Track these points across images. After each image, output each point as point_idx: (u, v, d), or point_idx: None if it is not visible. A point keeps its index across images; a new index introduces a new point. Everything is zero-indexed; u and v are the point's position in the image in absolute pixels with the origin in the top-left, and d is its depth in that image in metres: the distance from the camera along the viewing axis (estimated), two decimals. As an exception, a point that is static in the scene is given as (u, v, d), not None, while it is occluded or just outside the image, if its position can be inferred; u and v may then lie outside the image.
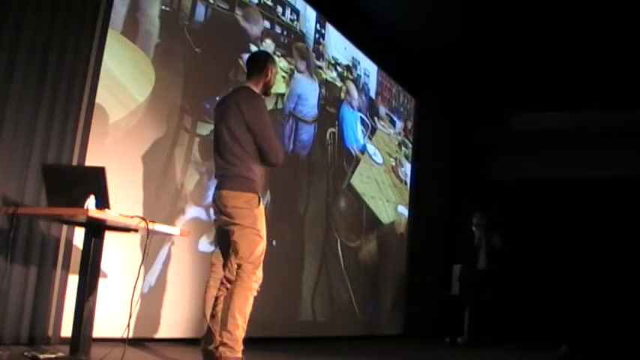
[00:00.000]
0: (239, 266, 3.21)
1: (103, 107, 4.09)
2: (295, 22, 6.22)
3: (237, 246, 3.21)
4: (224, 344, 3.08)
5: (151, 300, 4.41)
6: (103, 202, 2.83)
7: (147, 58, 4.47)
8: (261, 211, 3.33)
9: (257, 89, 3.45)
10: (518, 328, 8.69)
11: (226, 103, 3.38)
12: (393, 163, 8.34)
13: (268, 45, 5.68)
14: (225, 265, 3.30)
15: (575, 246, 9.23)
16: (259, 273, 3.28)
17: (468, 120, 9.81)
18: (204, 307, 3.57)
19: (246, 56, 5.41)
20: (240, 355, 3.11)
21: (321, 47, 6.71)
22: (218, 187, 3.32)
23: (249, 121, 3.27)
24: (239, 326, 3.11)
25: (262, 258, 3.30)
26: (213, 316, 3.24)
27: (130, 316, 2.98)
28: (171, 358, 3.82)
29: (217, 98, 5.09)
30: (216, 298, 3.26)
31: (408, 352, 6.48)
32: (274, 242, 5.42)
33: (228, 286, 3.22)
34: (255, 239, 3.25)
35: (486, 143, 10.19)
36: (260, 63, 3.51)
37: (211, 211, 5.00)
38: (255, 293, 3.23)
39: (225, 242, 3.31)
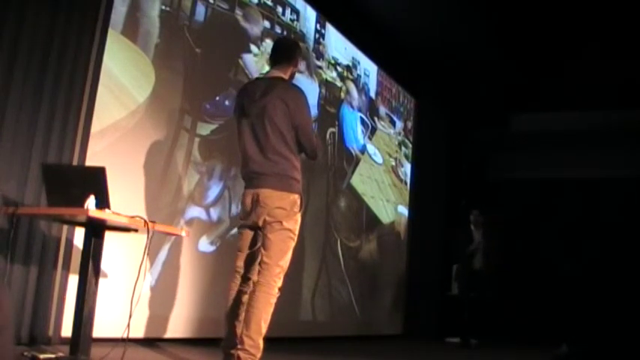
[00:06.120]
0: (266, 265, 3.09)
1: (103, 107, 4.08)
2: (295, 22, 6.22)
3: (271, 244, 3.11)
4: (244, 350, 2.96)
5: (151, 300, 4.41)
6: (103, 202, 2.83)
7: (147, 58, 4.47)
8: (299, 215, 3.24)
9: (287, 78, 3.33)
10: (518, 328, 8.69)
11: (266, 98, 3.18)
12: (393, 163, 8.34)
13: (268, 45, 5.68)
14: (251, 267, 3.20)
15: (575, 246, 9.23)
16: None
17: (468, 120, 9.82)
18: (226, 309, 3.30)
19: (246, 56, 5.46)
20: None
21: (321, 47, 6.71)
22: (257, 185, 3.16)
23: (294, 116, 3.17)
24: (262, 333, 3.03)
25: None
26: (236, 318, 3.14)
27: (130, 316, 2.97)
28: (172, 358, 3.83)
29: (217, 98, 5.12)
30: (242, 302, 3.15)
31: (408, 352, 6.48)
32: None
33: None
34: (289, 244, 3.17)
35: (486, 143, 10.19)
36: (290, 52, 3.40)
37: (211, 211, 5.06)
38: (274, 300, 3.12)
39: (255, 241, 3.21)
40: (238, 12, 5.38)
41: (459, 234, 7.74)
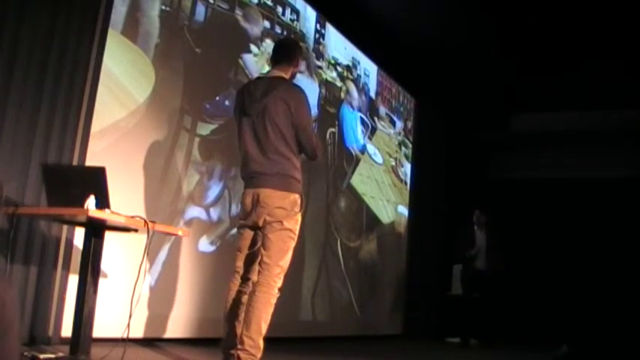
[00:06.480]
0: (266, 265, 3.09)
1: (103, 107, 4.08)
2: (295, 22, 6.22)
3: (271, 244, 3.11)
4: (245, 350, 2.95)
5: (151, 300, 4.41)
6: (103, 202, 2.83)
7: (147, 59, 4.47)
8: (300, 215, 3.24)
9: (287, 78, 3.33)
10: (518, 328, 8.69)
11: (267, 98, 3.16)
12: (393, 163, 8.34)
13: (268, 45, 5.68)
14: (251, 267, 3.19)
15: (575, 246, 9.23)
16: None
17: (468, 120, 9.82)
18: (225, 309, 3.27)
19: (246, 56, 5.46)
20: None
21: (321, 47, 6.71)
22: (257, 185, 3.15)
23: (295, 116, 3.17)
24: (262, 334, 3.02)
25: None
26: (236, 318, 3.14)
27: (130, 316, 2.97)
28: (172, 358, 3.83)
29: (217, 98, 5.12)
30: (242, 302, 3.15)
31: (408, 352, 6.48)
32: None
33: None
34: (289, 244, 3.16)
35: (486, 143, 10.19)
36: (291, 52, 3.42)
37: (211, 211, 5.06)
38: (274, 300, 3.11)
39: (255, 241, 3.21)
40: (238, 12, 5.38)
41: (461, 234, 7.74)
